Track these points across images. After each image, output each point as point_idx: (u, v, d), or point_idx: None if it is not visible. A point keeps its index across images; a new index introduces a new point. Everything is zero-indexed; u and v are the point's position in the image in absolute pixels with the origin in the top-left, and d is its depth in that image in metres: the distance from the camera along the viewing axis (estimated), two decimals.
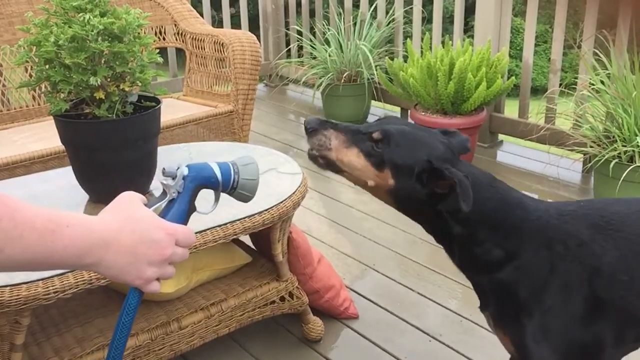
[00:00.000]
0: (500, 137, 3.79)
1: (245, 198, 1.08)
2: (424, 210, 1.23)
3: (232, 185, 1.05)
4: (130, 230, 0.88)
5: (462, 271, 1.33)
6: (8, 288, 1.36)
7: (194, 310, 1.78)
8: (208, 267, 1.88)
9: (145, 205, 0.94)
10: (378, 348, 2.03)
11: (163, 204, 1.00)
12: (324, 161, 1.25)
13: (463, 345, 2.02)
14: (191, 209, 1.02)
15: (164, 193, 1.01)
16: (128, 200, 0.93)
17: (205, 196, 1.06)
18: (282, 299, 1.94)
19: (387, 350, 2.01)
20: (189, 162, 1.04)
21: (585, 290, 1.20)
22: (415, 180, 1.19)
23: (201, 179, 1.02)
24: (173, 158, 2.00)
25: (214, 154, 2.09)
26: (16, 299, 1.36)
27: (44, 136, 2.49)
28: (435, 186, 1.18)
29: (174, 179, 1.01)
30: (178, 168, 1.01)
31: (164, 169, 1.01)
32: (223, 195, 1.08)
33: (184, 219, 1.00)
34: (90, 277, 1.43)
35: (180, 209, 1.00)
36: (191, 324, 1.76)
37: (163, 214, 0.99)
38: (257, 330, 2.06)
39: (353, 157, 1.22)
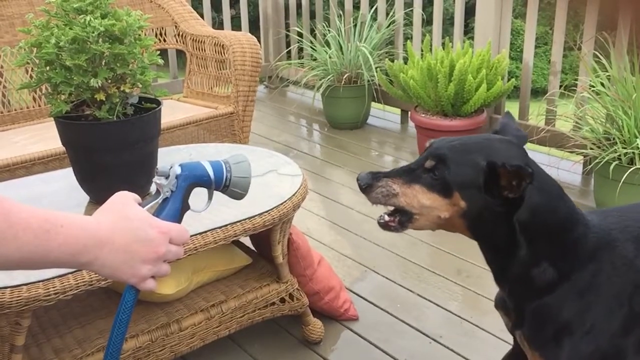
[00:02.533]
0: None
1: (238, 196, 1.09)
2: (500, 227, 1.17)
3: (224, 183, 1.07)
4: (124, 229, 0.90)
5: (508, 298, 1.27)
6: (9, 289, 1.36)
7: (194, 312, 1.78)
8: (208, 268, 1.88)
9: (139, 204, 0.95)
10: (378, 349, 2.03)
11: (157, 203, 1.02)
12: (395, 222, 1.20)
13: (463, 347, 2.02)
14: (185, 207, 1.03)
15: (158, 192, 1.03)
16: (122, 200, 0.94)
17: (202, 196, 1.07)
18: (282, 300, 1.94)
19: (387, 351, 2.01)
20: (178, 162, 1.05)
21: (625, 308, 1.17)
22: (485, 192, 1.13)
23: (194, 178, 1.04)
24: (173, 159, 1.99)
25: (215, 155, 2.09)
26: (17, 300, 1.36)
27: (45, 137, 2.49)
28: (504, 189, 1.12)
29: (167, 178, 1.03)
30: (171, 167, 1.03)
31: (157, 168, 1.04)
32: (224, 197, 1.09)
33: (177, 218, 1.02)
34: (91, 278, 1.44)
35: (173, 207, 1.02)
36: (191, 326, 1.76)
37: (157, 213, 1.00)
38: (257, 332, 2.06)
39: (419, 195, 1.16)
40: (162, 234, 0.93)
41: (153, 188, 1.80)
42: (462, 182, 1.14)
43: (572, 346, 1.18)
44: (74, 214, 0.88)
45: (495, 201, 1.14)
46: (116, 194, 0.96)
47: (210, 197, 1.09)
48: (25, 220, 0.80)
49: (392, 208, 1.21)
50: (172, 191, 1.02)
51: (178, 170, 1.03)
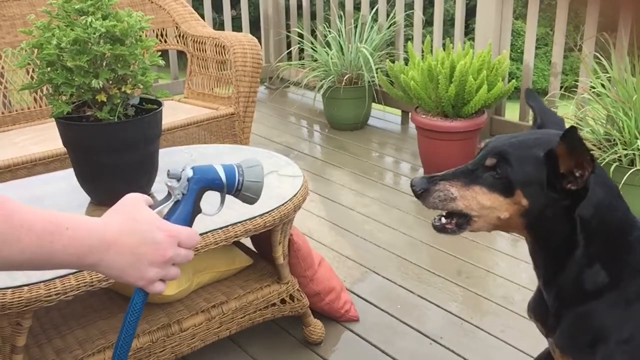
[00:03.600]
0: None
1: (250, 200, 1.08)
2: (560, 225, 1.14)
3: (236, 187, 1.06)
4: (131, 231, 0.89)
5: (554, 301, 1.23)
6: (10, 290, 1.36)
7: (195, 313, 1.78)
8: (209, 269, 1.88)
9: (150, 206, 0.94)
10: (378, 351, 2.03)
11: (168, 205, 1.01)
12: (453, 225, 1.17)
13: (463, 348, 2.02)
14: (196, 210, 1.02)
15: (169, 195, 1.02)
16: (132, 202, 0.94)
17: (211, 199, 1.06)
18: (283, 301, 1.94)
19: (388, 352, 2.01)
20: (190, 165, 1.04)
21: None
22: (548, 189, 1.10)
23: (205, 181, 1.03)
24: (174, 160, 2.00)
25: (216, 156, 2.10)
26: (18, 300, 1.36)
27: (46, 138, 2.49)
28: (566, 181, 1.09)
29: (178, 180, 1.02)
30: (183, 170, 1.02)
31: (169, 170, 1.02)
32: (228, 197, 1.08)
33: (188, 221, 1.01)
34: (92, 278, 1.44)
35: (184, 210, 1.01)
36: (192, 326, 1.76)
37: (168, 216, 1.00)
38: (258, 333, 2.06)
39: (479, 196, 1.12)
40: (170, 237, 0.92)
41: (155, 189, 1.81)
42: (524, 179, 1.10)
43: (605, 354, 1.14)
44: (80, 215, 0.88)
45: (558, 196, 1.11)
46: (127, 195, 0.95)
47: (222, 201, 1.08)
48: (28, 222, 0.80)
49: None
50: (183, 194, 1.01)
51: (190, 173, 1.02)
